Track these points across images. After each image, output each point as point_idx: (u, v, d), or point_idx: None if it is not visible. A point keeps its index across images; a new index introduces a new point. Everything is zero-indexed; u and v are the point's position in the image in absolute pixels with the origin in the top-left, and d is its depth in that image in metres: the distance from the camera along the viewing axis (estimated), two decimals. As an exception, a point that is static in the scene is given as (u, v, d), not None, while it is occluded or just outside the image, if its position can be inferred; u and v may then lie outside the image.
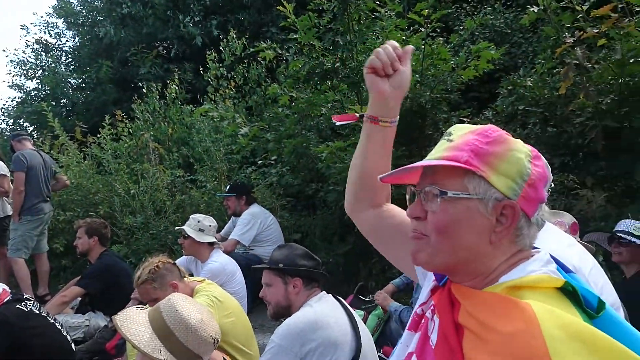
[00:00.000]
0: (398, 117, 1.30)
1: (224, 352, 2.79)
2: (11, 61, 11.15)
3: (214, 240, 4.14)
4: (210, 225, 4.13)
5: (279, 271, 2.33)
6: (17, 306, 2.84)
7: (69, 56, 11.80)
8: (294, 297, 2.31)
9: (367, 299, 3.65)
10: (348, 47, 4.73)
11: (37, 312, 2.96)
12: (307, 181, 5.77)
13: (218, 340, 1.89)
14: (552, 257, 0.97)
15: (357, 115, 1.41)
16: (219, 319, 2.72)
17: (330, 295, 2.38)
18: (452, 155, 0.95)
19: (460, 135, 0.98)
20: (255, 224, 4.90)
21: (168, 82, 7.83)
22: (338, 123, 1.45)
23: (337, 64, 4.81)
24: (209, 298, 2.83)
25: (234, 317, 2.88)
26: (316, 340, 2.10)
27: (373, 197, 1.34)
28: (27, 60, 11.11)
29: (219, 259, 4.02)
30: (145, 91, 7.77)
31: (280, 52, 5.30)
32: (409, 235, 1.03)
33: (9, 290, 2.98)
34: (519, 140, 0.97)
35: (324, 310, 2.23)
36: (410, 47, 1.27)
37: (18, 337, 2.74)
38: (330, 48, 4.90)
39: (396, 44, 1.24)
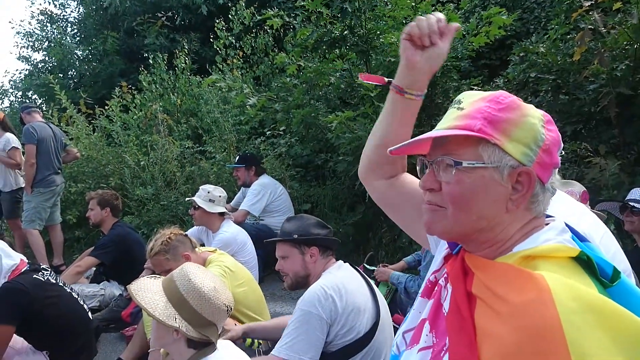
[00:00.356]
0: (425, 91, 1.25)
1: (237, 321, 2.84)
2: (18, 33, 11.08)
3: (225, 210, 4.17)
4: (220, 196, 4.15)
5: (295, 242, 2.32)
6: (34, 276, 2.91)
7: (75, 27, 11.70)
8: (312, 266, 2.31)
9: (375, 268, 3.68)
10: (357, 14, 4.63)
11: (54, 281, 3.03)
12: (316, 151, 5.76)
13: (231, 308, 1.92)
14: (567, 225, 0.96)
15: (386, 80, 1.33)
16: (232, 288, 2.76)
17: (347, 263, 2.38)
18: (464, 124, 0.93)
19: (471, 102, 0.96)
20: (265, 194, 4.91)
21: (175, 52, 7.76)
22: (364, 81, 1.41)
23: (345, 32, 4.72)
24: (221, 268, 2.87)
25: (246, 287, 2.93)
26: (343, 305, 2.10)
27: (389, 169, 1.31)
28: (33, 32, 11.03)
29: (230, 229, 4.06)
30: (151, 62, 7.71)
31: (287, 20, 5.21)
32: (423, 207, 1.02)
33: (27, 261, 3.05)
34: (531, 106, 0.95)
35: (345, 278, 2.23)
36: (455, 25, 1.20)
37: (35, 306, 2.81)
38: (339, 15, 4.80)
39: (442, 16, 1.18)
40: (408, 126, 1.28)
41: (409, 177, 1.34)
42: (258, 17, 6.62)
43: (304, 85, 5.31)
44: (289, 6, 7.50)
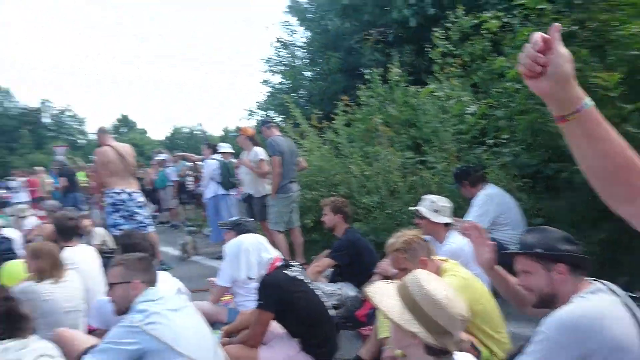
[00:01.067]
0: (584, 99, 1.19)
1: (473, 336, 2.77)
2: (261, 59, 13.03)
3: (450, 221, 4.16)
4: (444, 206, 4.14)
5: (538, 256, 2.12)
6: (284, 271, 3.38)
7: (303, 50, 13.15)
8: (560, 286, 2.08)
9: (637, 296, 3.18)
10: (586, 6, 4.16)
11: (301, 278, 3.45)
12: (545, 160, 5.32)
13: (466, 319, 1.87)
14: None
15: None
16: (470, 301, 2.68)
17: (605, 286, 2.05)
18: None
19: None
20: (492, 205, 4.71)
21: (388, 66, 8.04)
22: None
23: (573, 27, 4.27)
24: (457, 279, 2.83)
25: (484, 301, 2.85)
26: (598, 341, 1.83)
27: (622, 192, 1.20)
28: (271, 58, 12.76)
29: (456, 241, 3.99)
30: (367, 77, 8.09)
31: (505, 21, 4.98)
32: None
33: (282, 257, 3.55)
34: None
35: (603, 305, 1.94)
36: (555, 26, 1.18)
37: (287, 298, 3.24)
38: (565, 10, 4.37)
39: (537, 36, 1.18)
40: (598, 139, 1.20)
41: None
42: (472, 21, 6.46)
43: (527, 89, 4.98)
44: (506, 6, 7.14)
